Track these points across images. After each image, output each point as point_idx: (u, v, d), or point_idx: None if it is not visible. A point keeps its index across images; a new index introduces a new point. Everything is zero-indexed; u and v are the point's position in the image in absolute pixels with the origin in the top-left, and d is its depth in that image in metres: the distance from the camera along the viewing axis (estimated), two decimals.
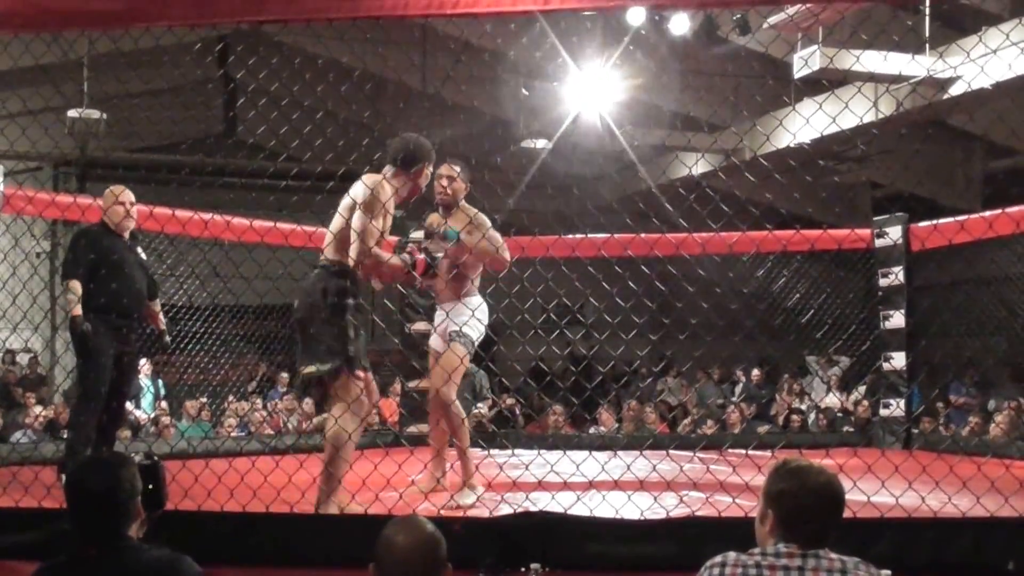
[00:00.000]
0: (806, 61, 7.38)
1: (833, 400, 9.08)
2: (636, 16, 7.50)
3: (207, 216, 5.83)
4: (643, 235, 6.28)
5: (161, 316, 5.12)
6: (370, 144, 4.76)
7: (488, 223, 4.41)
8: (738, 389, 10.47)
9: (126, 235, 4.90)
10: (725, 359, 10.02)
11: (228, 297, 9.13)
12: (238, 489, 3.72)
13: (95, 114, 9.19)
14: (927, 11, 7.63)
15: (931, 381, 8.13)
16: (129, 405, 9.13)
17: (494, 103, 10.34)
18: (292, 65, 6.57)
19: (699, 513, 3.55)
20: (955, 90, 7.96)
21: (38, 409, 8.33)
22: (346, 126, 9.56)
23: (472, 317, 4.39)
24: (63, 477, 3.90)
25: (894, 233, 7.02)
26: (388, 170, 4.13)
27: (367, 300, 4.25)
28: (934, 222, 6.86)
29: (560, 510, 3.66)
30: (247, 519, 3.40)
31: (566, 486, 4.13)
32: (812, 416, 8.83)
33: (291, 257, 5.62)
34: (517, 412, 8.83)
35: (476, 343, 4.44)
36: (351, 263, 3.94)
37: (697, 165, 9.83)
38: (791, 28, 6.83)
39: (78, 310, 4.64)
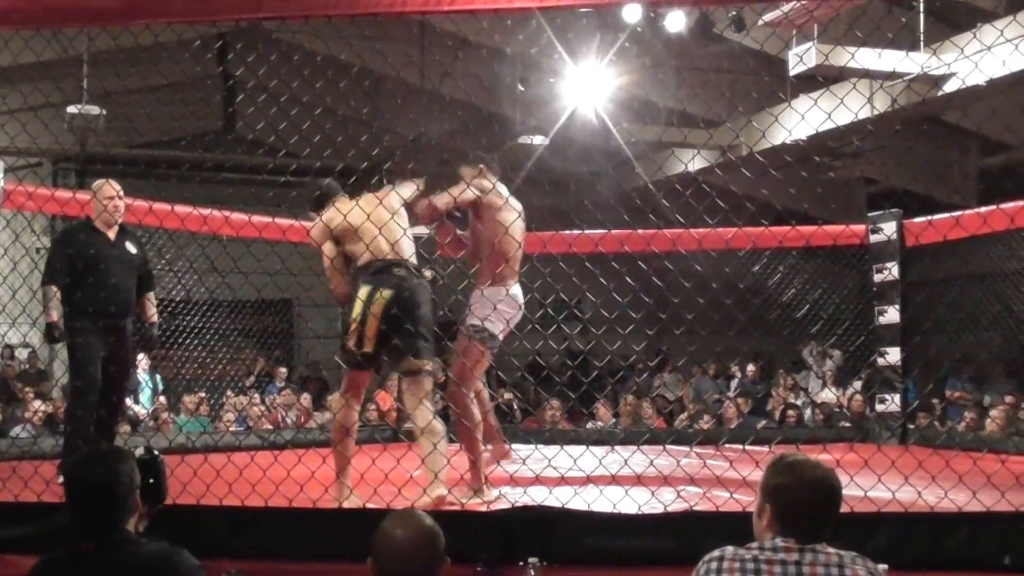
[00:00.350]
0: (801, 58, 7.42)
1: (829, 395, 9.13)
2: (632, 13, 7.53)
3: (206, 211, 5.86)
4: (640, 231, 6.31)
5: (153, 310, 5.09)
6: (368, 140, 4.80)
7: (462, 191, 4.39)
8: (733, 384, 10.52)
9: (112, 231, 4.84)
10: (720, 354, 10.05)
11: (226, 292, 9.16)
12: (236, 483, 3.73)
13: (95, 110, 9.21)
14: (921, 8, 7.67)
15: (926, 376, 8.17)
16: (128, 400, 9.19)
17: (491, 99, 10.37)
18: (290, 61, 6.61)
19: (697, 508, 3.57)
20: (950, 86, 8.00)
21: (37, 404, 8.37)
22: (344, 122, 9.61)
23: (495, 308, 4.33)
24: (61, 475, 3.94)
25: (888, 229, 7.05)
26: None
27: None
28: (928, 218, 6.89)
29: (558, 504, 3.69)
30: (246, 513, 3.42)
31: (563, 481, 4.13)
32: (808, 411, 8.88)
33: (289, 252, 5.66)
34: (514, 407, 8.86)
35: (497, 334, 4.40)
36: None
37: (694, 161, 9.86)
38: (786, 25, 6.87)
39: (54, 315, 4.65)
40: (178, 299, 9.48)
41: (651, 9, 7.42)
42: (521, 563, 3.03)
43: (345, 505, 3.89)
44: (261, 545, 3.29)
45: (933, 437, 6.90)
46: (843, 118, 7.08)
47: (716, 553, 2.11)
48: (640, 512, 3.54)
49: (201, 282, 9.22)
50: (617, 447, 4.70)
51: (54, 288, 4.67)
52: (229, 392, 9.45)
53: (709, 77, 9.14)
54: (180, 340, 9.63)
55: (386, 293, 4.04)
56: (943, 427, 7.94)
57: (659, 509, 3.55)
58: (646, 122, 10.23)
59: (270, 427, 8.14)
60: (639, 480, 4.06)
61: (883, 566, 2.18)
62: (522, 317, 4.48)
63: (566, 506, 3.76)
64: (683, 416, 9.10)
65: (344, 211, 4.20)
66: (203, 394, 9.18)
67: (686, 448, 5.25)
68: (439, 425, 4.11)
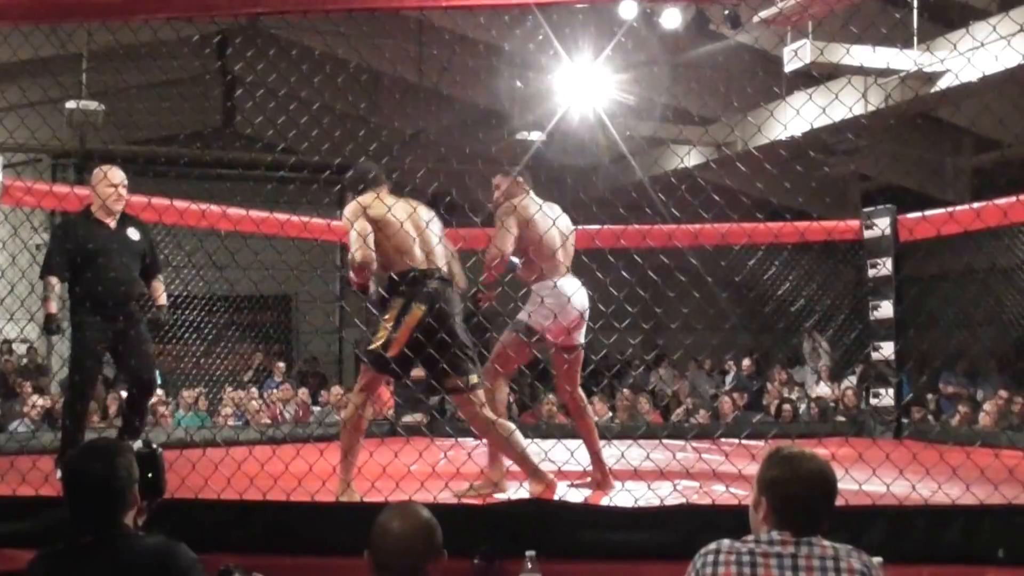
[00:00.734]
0: (796, 53, 7.46)
1: (824, 389, 9.18)
2: (628, 10, 7.57)
3: (204, 206, 5.88)
4: (636, 226, 6.34)
5: (163, 293, 5.01)
6: (366, 136, 4.82)
7: (501, 217, 4.37)
8: (728, 378, 10.58)
9: (112, 219, 4.77)
10: (715, 347, 10.10)
11: (224, 286, 9.19)
12: (235, 477, 3.73)
13: (93, 105, 9.24)
14: (915, 5, 7.72)
15: (920, 371, 8.22)
16: (124, 395, 9.23)
17: (489, 95, 10.40)
18: (289, 58, 6.63)
19: (693, 501, 3.57)
20: (943, 83, 8.04)
21: (35, 398, 8.39)
22: (342, 118, 9.63)
23: (543, 302, 4.30)
24: (59, 470, 3.95)
25: (882, 224, 7.07)
26: None
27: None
28: (922, 213, 6.93)
29: (555, 498, 3.72)
30: (244, 507, 3.41)
31: (560, 474, 4.13)
32: (804, 406, 8.93)
33: (286, 246, 5.70)
34: (511, 401, 8.89)
35: (538, 329, 4.37)
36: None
37: (689, 157, 9.90)
38: (781, 22, 6.91)
39: (53, 308, 4.61)
40: (177, 294, 9.51)
41: (647, 6, 7.46)
42: (518, 556, 3.02)
43: (343, 499, 3.85)
44: (259, 539, 3.28)
45: (927, 431, 6.95)
46: (838, 114, 7.14)
47: (712, 546, 2.12)
48: (637, 506, 3.55)
49: (200, 276, 9.26)
50: (614, 441, 4.71)
51: (53, 280, 4.63)
52: (228, 388, 9.48)
53: (705, 73, 9.18)
54: (179, 335, 9.66)
55: (421, 307, 3.94)
56: (937, 421, 7.99)
57: (656, 503, 3.55)
58: (642, 118, 10.28)
59: (268, 421, 8.17)
60: (636, 474, 4.08)
61: (878, 559, 2.18)
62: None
63: (563, 499, 3.78)
64: (679, 410, 9.15)
65: (388, 203, 4.07)
66: (202, 389, 9.22)
67: (682, 442, 5.27)
68: (503, 427, 4.05)
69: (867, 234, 7.15)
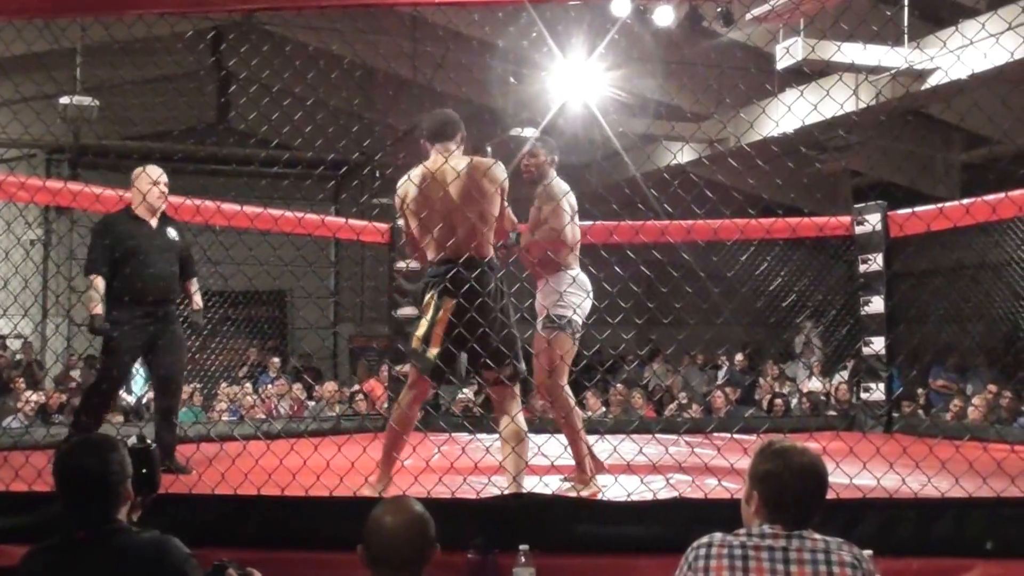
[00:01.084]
0: (788, 51, 7.50)
1: (816, 384, 9.24)
2: (621, 7, 7.59)
3: (198, 201, 5.89)
4: (629, 221, 6.38)
5: (198, 295, 4.98)
6: (360, 131, 4.83)
7: (559, 196, 4.29)
8: (721, 373, 10.63)
9: (153, 218, 4.75)
10: (707, 342, 10.15)
11: (218, 282, 9.20)
12: (229, 472, 3.72)
13: (87, 101, 9.24)
14: (906, 3, 7.76)
15: (910, 365, 8.27)
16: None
17: (483, 91, 10.42)
18: (283, 53, 6.65)
19: (686, 495, 3.59)
20: (933, 80, 8.10)
21: (29, 394, 8.41)
22: (336, 114, 9.65)
23: (561, 296, 4.27)
24: None
25: (873, 220, 7.10)
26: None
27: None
28: (912, 209, 6.98)
29: (548, 492, 3.73)
30: (238, 502, 3.40)
31: (554, 468, 4.15)
32: (795, 400, 8.99)
33: (281, 242, 5.72)
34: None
35: (579, 321, 4.32)
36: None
37: (683, 152, 9.94)
38: (773, 19, 6.94)
39: (99, 308, 4.51)
40: None
41: (640, 3, 7.49)
42: (512, 550, 3.02)
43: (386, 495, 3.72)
44: (253, 534, 3.28)
45: (917, 425, 7.00)
46: (829, 111, 7.17)
47: (705, 539, 2.14)
48: (630, 499, 3.56)
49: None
50: (607, 435, 4.73)
51: (99, 280, 4.54)
52: (223, 384, 9.49)
53: (697, 70, 9.22)
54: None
55: (450, 303, 3.80)
56: (927, 415, 8.05)
57: (649, 496, 3.56)
58: (635, 114, 10.31)
59: (263, 416, 8.19)
60: (629, 468, 4.10)
61: (868, 551, 2.19)
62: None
63: (557, 493, 3.81)
64: (672, 405, 9.20)
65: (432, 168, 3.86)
66: (197, 384, 9.23)
67: (675, 436, 5.30)
68: (521, 429, 3.93)
69: (858, 230, 7.19)
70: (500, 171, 3.93)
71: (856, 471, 3.53)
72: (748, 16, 7.06)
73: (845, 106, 7.54)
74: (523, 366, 4.02)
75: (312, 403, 9.14)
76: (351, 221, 7.52)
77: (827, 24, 7.05)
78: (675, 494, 3.62)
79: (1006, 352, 8.87)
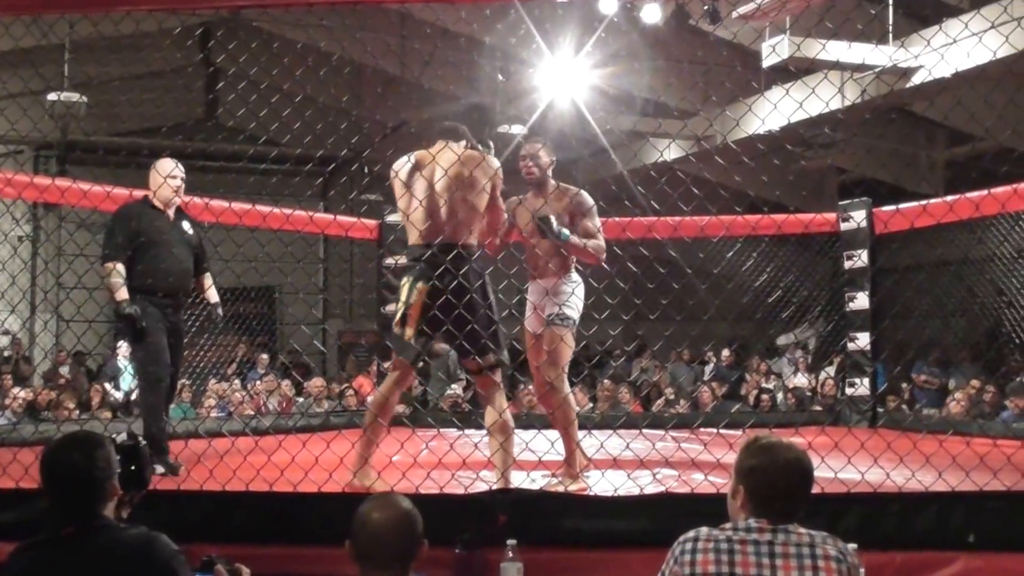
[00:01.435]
0: (774, 49, 7.55)
1: (801, 380, 9.30)
2: (608, 5, 7.64)
3: (186, 198, 5.89)
4: (615, 218, 6.42)
5: (213, 289, 4.94)
6: (348, 128, 4.85)
7: (592, 203, 4.35)
8: (708, 369, 10.69)
9: (170, 210, 4.71)
10: (694, 338, 10.21)
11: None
12: (217, 468, 3.72)
13: (75, 97, 9.21)
14: (891, 2, 7.82)
15: (895, 360, 8.33)
16: (108, 386, 9.23)
17: (471, 88, 10.45)
18: (271, 50, 6.65)
19: (672, 490, 3.62)
20: (917, 78, 8.17)
21: (16, 390, 8.37)
22: (324, 110, 9.66)
23: (572, 296, 4.29)
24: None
25: (858, 216, 7.16)
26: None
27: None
28: (897, 206, 7.04)
29: (535, 487, 3.75)
30: (226, 498, 3.40)
31: (541, 464, 4.15)
32: (781, 395, 9.05)
33: (269, 238, 5.74)
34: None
35: (577, 322, 4.36)
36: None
37: (669, 150, 9.99)
38: (759, 17, 6.99)
39: (123, 293, 4.43)
40: None
41: (627, 1, 7.53)
42: (499, 545, 3.03)
43: (377, 488, 3.75)
44: (242, 529, 3.28)
45: (901, 420, 7.06)
46: (815, 108, 7.24)
47: (691, 534, 2.15)
48: (617, 494, 3.58)
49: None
50: (594, 431, 4.76)
51: (119, 266, 4.46)
52: (212, 380, 9.48)
53: (684, 68, 9.27)
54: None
55: (423, 286, 3.80)
56: (911, 410, 8.12)
57: (635, 491, 3.59)
58: (622, 111, 10.35)
59: (251, 413, 8.19)
60: (616, 463, 4.14)
61: (852, 545, 2.21)
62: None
63: (544, 488, 3.83)
64: (659, 401, 9.25)
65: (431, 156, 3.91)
66: (185, 380, 9.21)
67: (662, 432, 5.34)
68: (508, 422, 3.92)
69: (843, 226, 7.25)
70: (493, 165, 3.98)
71: (841, 466, 3.56)
72: (734, 14, 7.11)
73: (830, 104, 7.60)
74: (506, 356, 4.03)
75: (300, 399, 9.15)
76: (339, 217, 7.54)
77: (812, 23, 7.10)
78: (662, 489, 3.66)
79: (988, 347, 8.95)
